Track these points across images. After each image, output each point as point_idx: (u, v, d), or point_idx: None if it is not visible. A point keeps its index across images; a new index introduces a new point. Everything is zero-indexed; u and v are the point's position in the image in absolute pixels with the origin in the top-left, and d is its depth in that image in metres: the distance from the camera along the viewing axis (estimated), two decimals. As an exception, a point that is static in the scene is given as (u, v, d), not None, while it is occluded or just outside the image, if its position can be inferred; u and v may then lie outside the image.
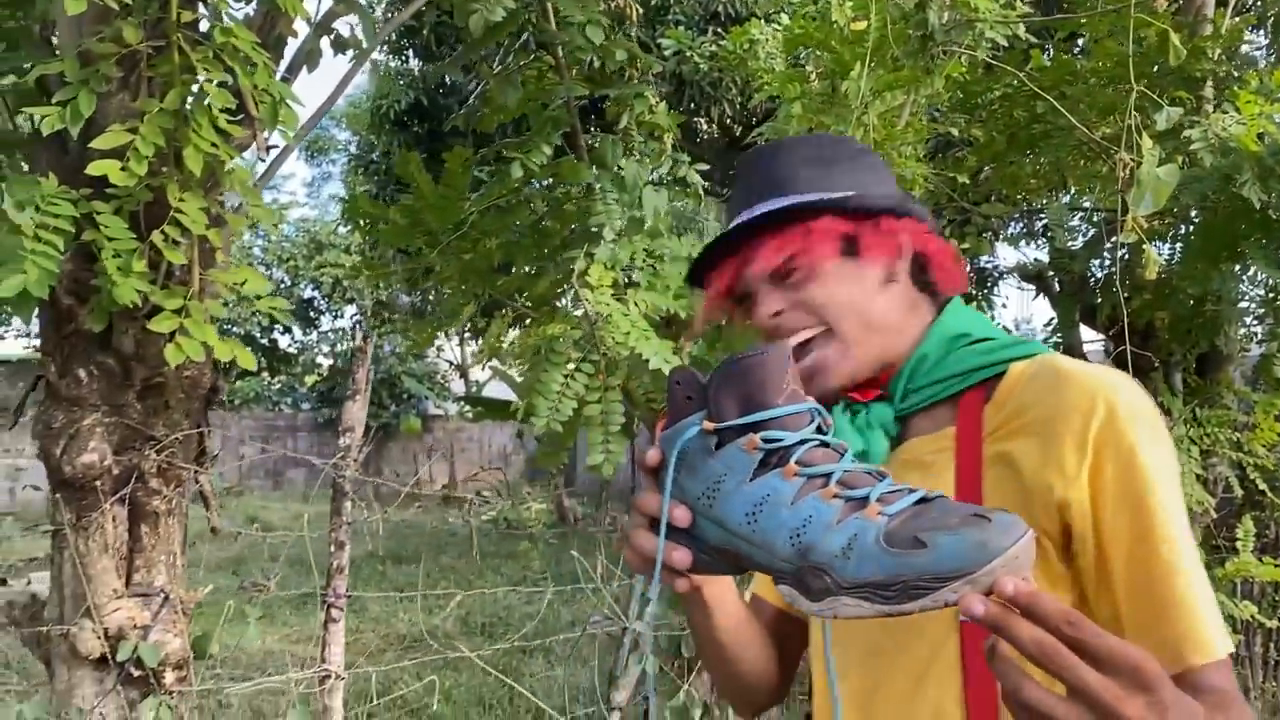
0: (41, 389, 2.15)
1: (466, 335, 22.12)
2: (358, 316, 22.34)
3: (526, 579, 9.28)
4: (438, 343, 24.28)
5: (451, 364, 22.31)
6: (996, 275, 7.61)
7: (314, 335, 23.14)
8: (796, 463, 0.85)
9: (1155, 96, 3.23)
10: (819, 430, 0.89)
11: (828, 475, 0.85)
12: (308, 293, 22.18)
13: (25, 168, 2.24)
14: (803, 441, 0.86)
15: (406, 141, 11.19)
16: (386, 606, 7.52)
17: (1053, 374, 1.02)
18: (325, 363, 22.26)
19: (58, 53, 2.07)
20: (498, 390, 20.71)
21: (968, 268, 5.47)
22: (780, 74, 3.66)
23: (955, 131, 3.81)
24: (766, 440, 0.86)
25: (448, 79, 10.31)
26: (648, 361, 2.35)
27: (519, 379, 16.52)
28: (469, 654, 2.78)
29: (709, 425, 0.88)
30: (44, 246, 1.73)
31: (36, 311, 2.06)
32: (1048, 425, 0.99)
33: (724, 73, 8.09)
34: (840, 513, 0.82)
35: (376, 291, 20.41)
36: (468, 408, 21.13)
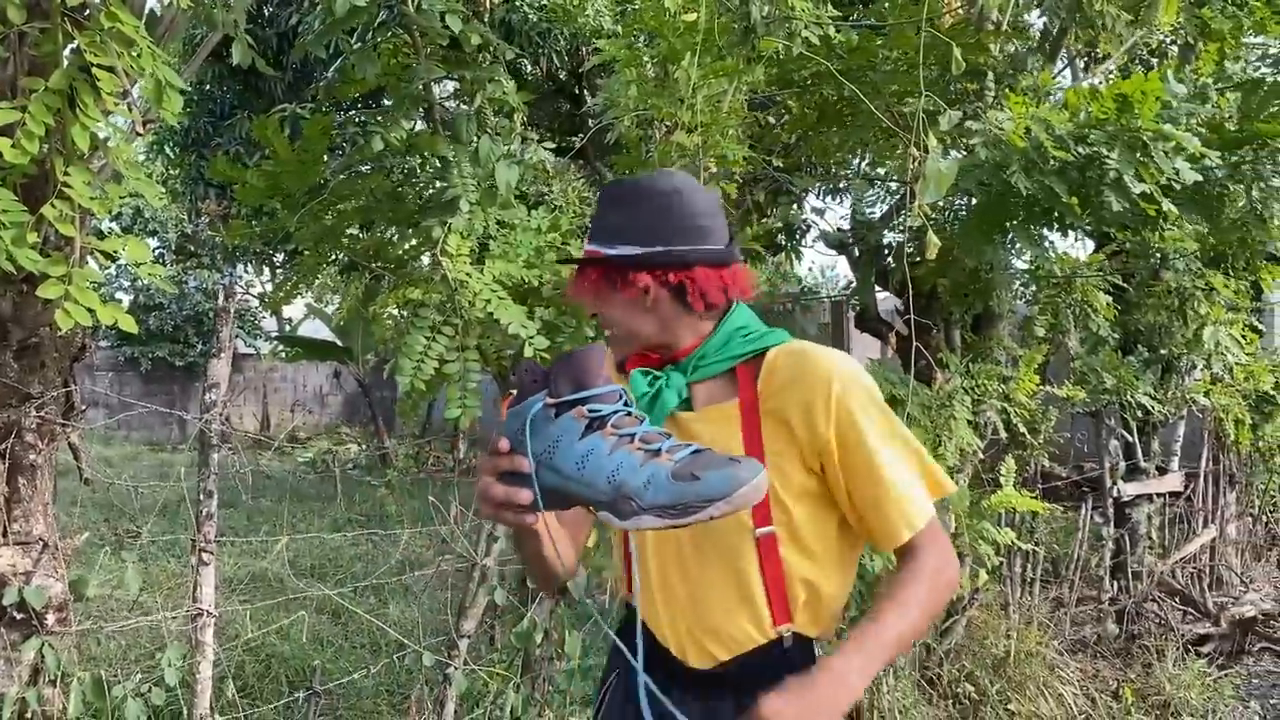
0: (-88, 348, 2.22)
1: (279, 271, 21.49)
2: (160, 249, 21.26)
3: (351, 521, 9.37)
4: (245, 278, 23.44)
5: (260, 300, 21.62)
6: (804, 228, 8.19)
7: (113, 269, 21.91)
8: (612, 426, 1.26)
9: (943, 93, 3.68)
10: (625, 404, 1.30)
11: (633, 435, 1.26)
12: (105, 224, 20.94)
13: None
14: (615, 411, 1.28)
15: (220, 71, 10.77)
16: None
17: (801, 355, 1.53)
18: (125, 299, 21.15)
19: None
20: (311, 329, 20.26)
21: (781, 228, 5.94)
22: (614, 42, 3.91)
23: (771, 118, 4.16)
24: (591, 411, 1.27)
25: (265, 10, 9.98)
26: (499, 324, 2.62)
27: (338, 320, 16.15)
28: (330, 593, 2.98)
29: (550, 400, 1.28)
30: (-62, 219, 1.83)
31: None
32: (802, 392, 1.48)
33: (553, 24, 8.24)
34: (642, 459, 1.24)
35: (181, 224, 19.52)
36: (280, 347, 20.59)
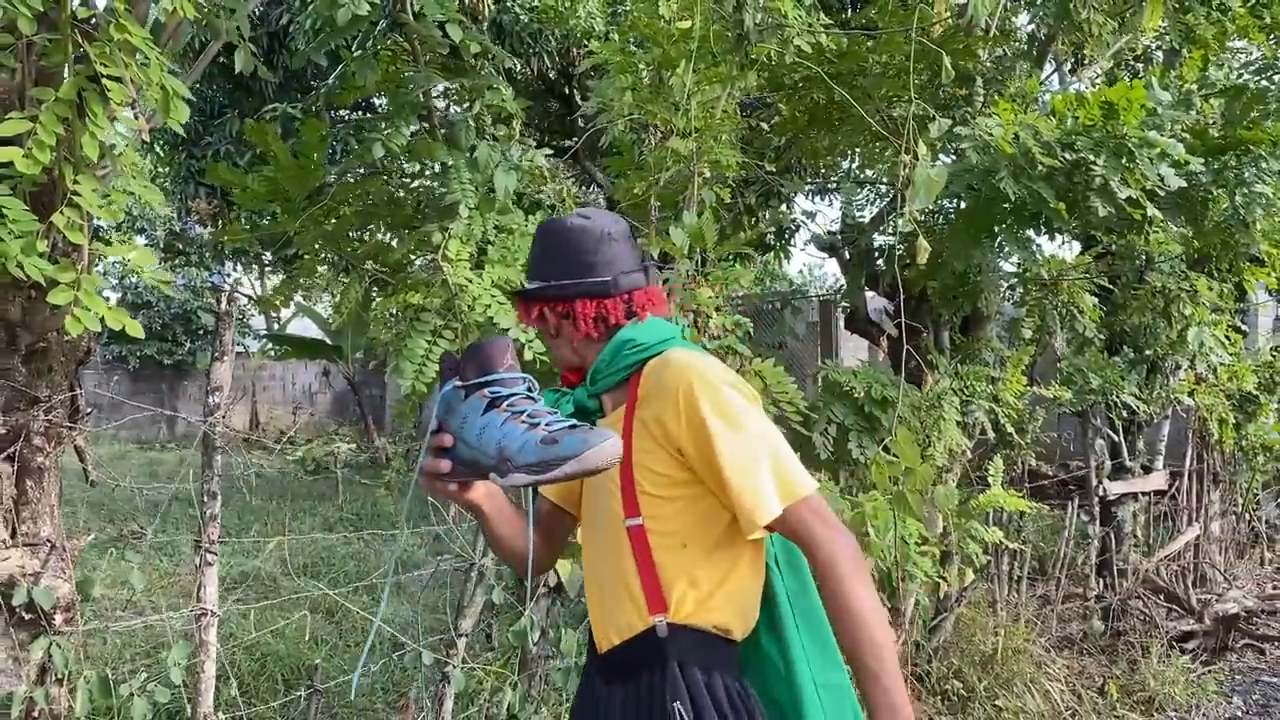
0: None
1: (269, 270, 21.45)
2: (148, 247, 21.18)
3: (343, 520, 9.39)
4: (234, 276, 23.39)
5: (251, 299, 21.53)
6: (793, 228, 8.26)
7: (100, 267, 21.84)
8: (506, 405, 1.50)
9: (932, 98, 3.73)
10: (529, 389, 1.54)
11: (523, 412, 1.49)
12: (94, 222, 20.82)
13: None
14: (514, 394, 1.51)
15: (210, 70, 10.76)
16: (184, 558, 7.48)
17: (663, 365, 1.67)
18: (113, 297, 21.08)
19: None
20: (299, 327, 20.22)
21: (772, 229, 5.99)
22: (607, 46, 3.95)
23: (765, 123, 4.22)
24: (492, 392, 1.51)
25: (255, 9, 9.98)
26: (498, 327, 2.67)
27: (328, 319, 16.10)
28: (330, 593, 3.02)
29: (459, 383, 1.53)
30: (-46, 228, 1.86)
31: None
32: (660, 398, 1.64)
33: (544, 25, 8.26)
34: (523, 429, 1.46)
35: (170, 223, 19.45)
36: (270, 345, 20.56)
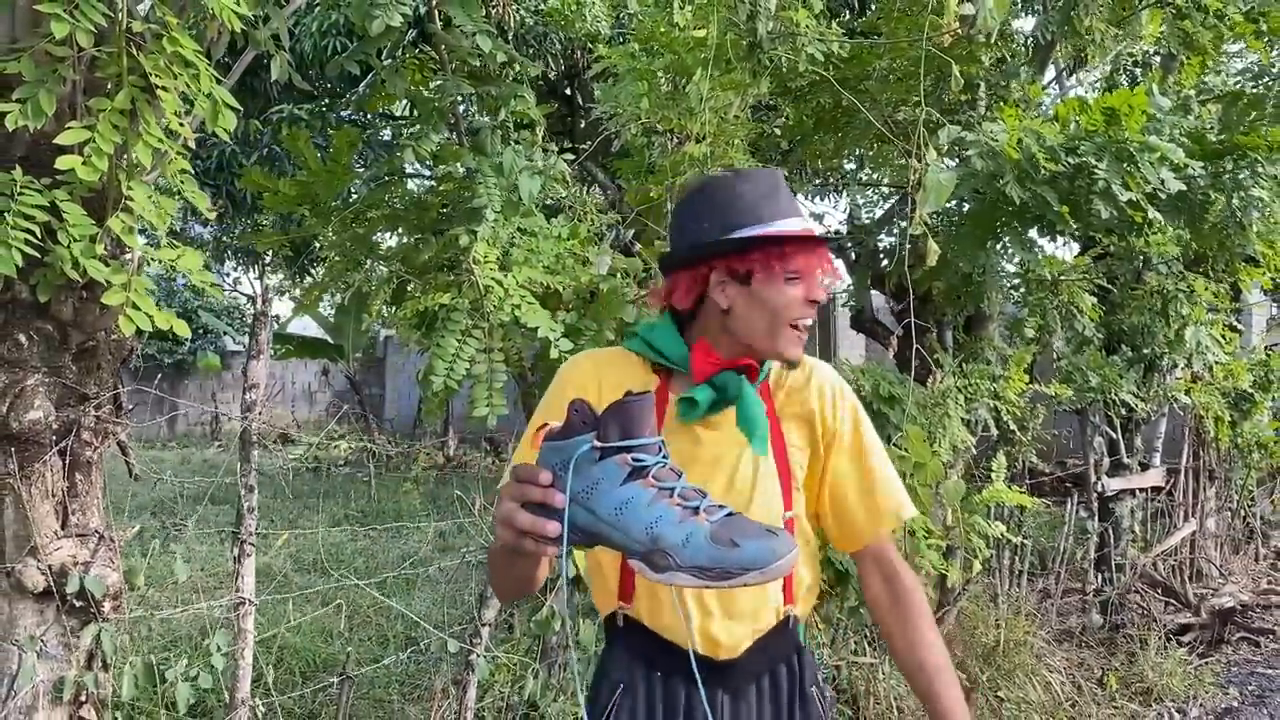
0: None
1: (268, 269, 21.52)
2: (149, 246, 21.18)
3: (348, 517, 9.49)
4: (233, 275, 23.45)
5: (251, 299, 21.57)
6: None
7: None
8: (653, 477, 1.30)
9: (937, 103, 3.84)
10: (664, 455, 1.35)
11: (673, 489, 1.31)
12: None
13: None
14: (657, 463, 1.32)
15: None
16: (213, 546, 7.60)
17: (806, 366, 1.70)
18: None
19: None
20: (299, 326, 20.28)
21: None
22: (617, 51, 4.05)
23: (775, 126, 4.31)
24: (635, 460, 1.30)
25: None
26: (523, 328, 2.77)
27: (329, 318, 16.21)
28: (361, 585, 3.12)
29: (598, 443, 1.31)
30: (19, 234, 1.96)
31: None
32: (811, 395, 1.68)
33: (549, 28, 8.36)
34: (680, 516, 1.28)
35: (171, 222, 19.47)
36: (271, 344, 20.64)
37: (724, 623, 1.64)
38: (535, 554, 1.33)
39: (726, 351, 1.62)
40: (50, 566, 2.32)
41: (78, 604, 2.36)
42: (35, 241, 2.03)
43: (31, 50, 2.07)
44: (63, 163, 2.00)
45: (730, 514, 1.29)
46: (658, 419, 1.51)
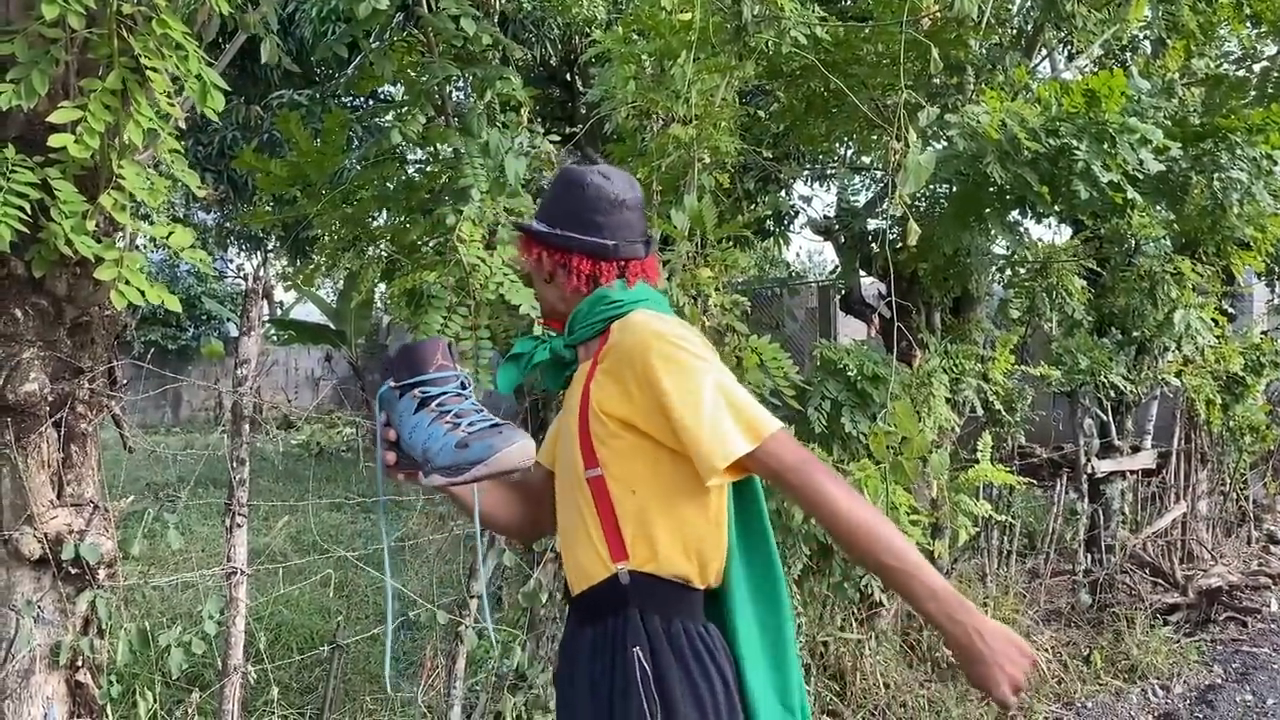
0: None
1: (271, 256, 21.59)
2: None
3: (349, 500, 9.58)
4: (236, 262, 23.53)
5: (241, 275, 21.69)
6: (792, 214, 8.42)
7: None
8: (435, 405, 1.60)
9: (925, 87, 3.88)
10: (463, 386, 1.64)
11: (450, 411, 1.59)
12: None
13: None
14: (444, 393, 1.62)
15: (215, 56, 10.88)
16: (213, 528, 7.68)
17: (627, 322, 1.77)
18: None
19: None
20: (303, 313, 20.36)
21: (770, 214, 6.14)
22: (610, 35, 4.10)
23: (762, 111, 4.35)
24: (423, 392, 1.61)
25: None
26: (508, 305, 2.83)
27: (331, 303, 16.28)
28: (348, 556, 3.19)
29: (393, 383, 1.64)
30: (11, 210, 2.02)
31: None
32: (620, 352, 1.73)
33: (547, 13, 8.39)
34: (446, 430, 1.56)
35: (172, 206, 19.55)
36: (273, 330, 20.72)
37: (568, 560, 1.85)
38: (397, 482, 1.75)
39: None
40: (46, 534, 2.39)
41: (73, 571, 2.43)
42: (28, 219, 2.09)
43: (25, 31, 2.13)
44: (55, 141, 2.06)
45: (493, 425, 1.56)
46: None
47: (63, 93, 2.28)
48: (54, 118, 2.08)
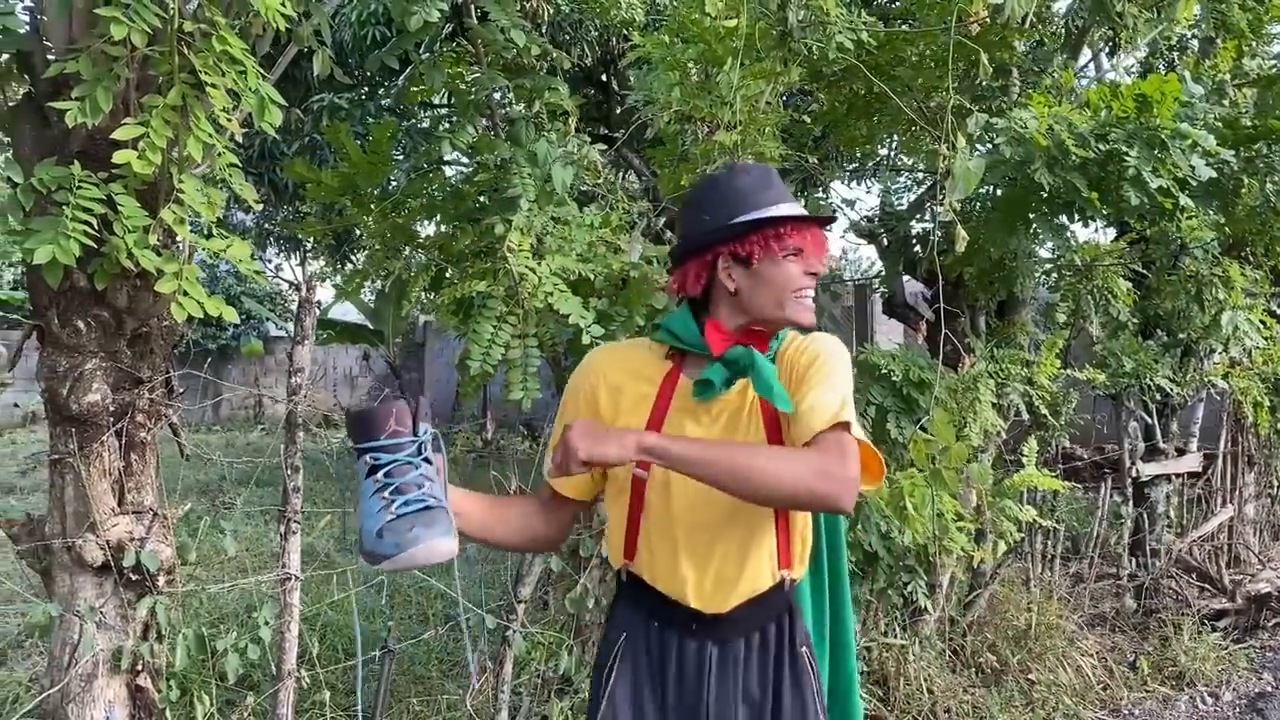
0: (36, 338, 2.46)
1: (309, 256, 21.81)
2: (193, 231, 21.50)
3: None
4: (275, 262, 23.80)
5: (294, 285, 21.80)
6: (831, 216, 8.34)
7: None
8: (383, 474, 1.53)
9: (969, 89, 3.85)
10: (418, 451, 1.57)
11: (391, 484, 1.52)
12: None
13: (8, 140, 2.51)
14: (394, 461, 1.54)
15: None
16: (258, 528, 7.79)
17: (797, 337, 1.83)
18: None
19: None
20: (341, 312, 20.56)
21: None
22: (651, 39, 4.10)
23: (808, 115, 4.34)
24: (373, 458, 1.54)
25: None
26: (556, 314, 2.85)
27: (370, 304, 16.43)
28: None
29: (351, 444, 1.57)
30: (78, 225, 2.06)
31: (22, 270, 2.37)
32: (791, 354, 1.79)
33: (585, 16, 8.41)
34: (379, 508, 1.50)
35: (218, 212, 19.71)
36: (315, 330, 20.93)
37: (715, 581, 1.79)
38: None
39: (735, 327, 1.78)
40: (108, 541, 2.44)
41: (134, 577, 2.48)
42: (93, 232, 2.13)
43: (88, 50, 2.17)
44: (118, 157, 2.10)
45: (425, 509, 1.50)
46: (664, 401, 1.78)
47: (124, 109, 2.32)
48: (117, 134, 2.12)
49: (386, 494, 1.50)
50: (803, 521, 1.83)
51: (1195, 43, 5.36)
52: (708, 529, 1.78)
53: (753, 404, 1.78)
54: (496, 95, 3.13)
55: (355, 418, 1.57)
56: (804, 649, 1.82)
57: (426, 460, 1.58)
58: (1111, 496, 5.72)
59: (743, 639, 1.79)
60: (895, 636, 4.34)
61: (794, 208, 1.77)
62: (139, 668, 2.53)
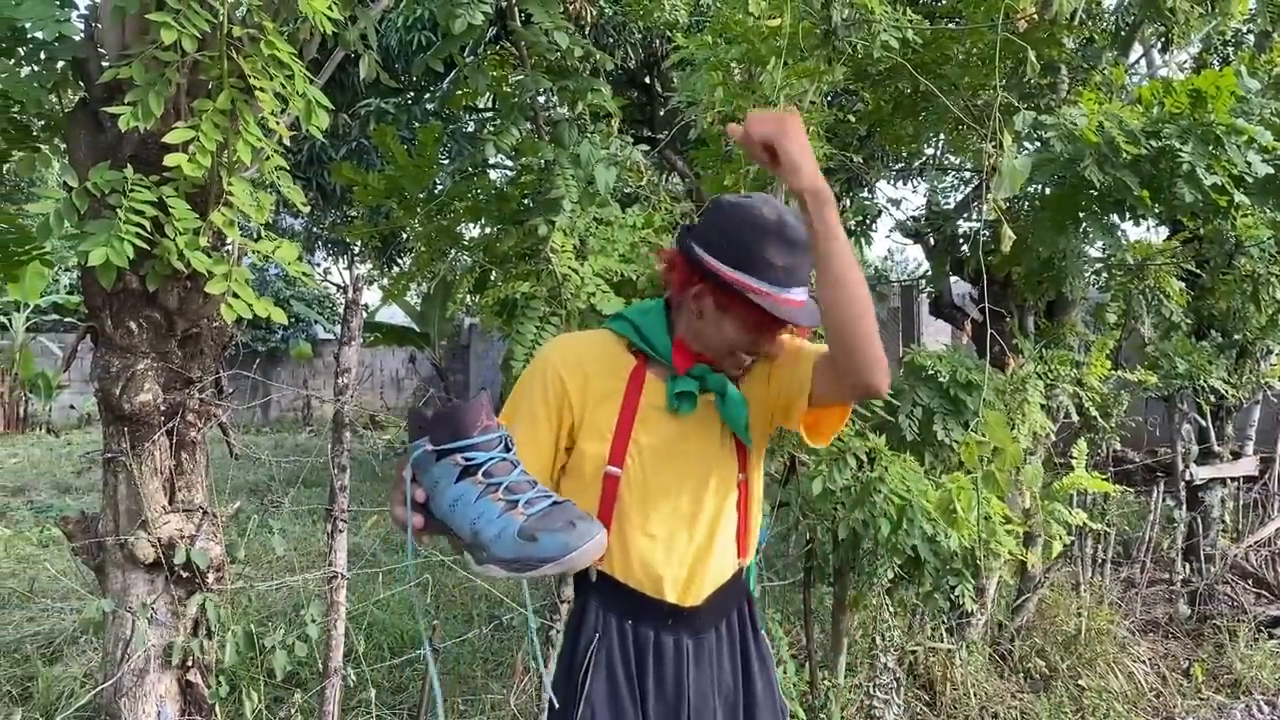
0: (90, 339, 2.51)
1: (356, 259, 22.07)
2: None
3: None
4: (323, 265, 24.09)
5: (341, 288, 22.14)
6: (875, 215, 8.34)
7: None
8: (482, 474, 1.42)
9: (1017, 87, 3.80)
10: (506, 447, 1.47)
11: (500, 484, 1.42)
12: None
13: (62, 146, 2.56)
14: (490, 459, 1.43)
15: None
16: (305, 527, 7.88)
17: None
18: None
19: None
20: (387, 315, 20.76)
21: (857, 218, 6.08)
22: (694, 40, 4.09)
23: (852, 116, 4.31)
24: (466, 458, 1.42)
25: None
26: (600, 315, 2.85)
27: (415, 306, 16.58)
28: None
29: (430, 446, 1.43)
30: (131, 227, 2.10)
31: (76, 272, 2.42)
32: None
33: (628, 18, 8.43)
34: (501, 510, 1.39)
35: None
36: (362, 332, 21.18)
37: (690, 574, 1.83)
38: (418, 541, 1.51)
39: (698, 347, 1.82)
40: (159, 539, 2.48)
41: (184, 574, 2.52)
42: (145, 234, 2.17)
43: (141, 55, 2.21)
44: (170, 160, 2.14)
45: (554, 504, 1.42)
46: (634, 397, 1.79)
47: (175, 113, 2.37)
48: (169, 138, 2.16)
49: (499, 494, 1.40)
50: (758, 508, 1.93)
51: (1250, 37, 5.25)
52: (684, 521, 1.82)
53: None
54: (540, 98, 3.14)
55: (441, 417, 1.44)
56: (763, 631, 1.93)
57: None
58: (1164, 500, 5.61)
59: (713, 629, 1.86)
60: (942, 640, 4.29)
61: (791, 295, 1.74)
62: (189, 663, 2.57)
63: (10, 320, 15.62)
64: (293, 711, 2.85)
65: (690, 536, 1.83)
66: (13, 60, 2.43)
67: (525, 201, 3.16)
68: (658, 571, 1.81)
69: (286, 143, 2.43)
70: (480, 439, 1.43)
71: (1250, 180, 3.43)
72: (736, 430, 1.82)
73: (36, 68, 2.47)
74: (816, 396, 1.78)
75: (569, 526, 1.38)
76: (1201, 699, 4.74)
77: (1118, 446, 5.56)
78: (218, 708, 2.60)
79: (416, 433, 1.47)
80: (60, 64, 2.46)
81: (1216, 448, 6.03)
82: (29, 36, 2.41)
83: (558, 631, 3.21)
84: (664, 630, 1.82)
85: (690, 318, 1.81)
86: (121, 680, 2.47)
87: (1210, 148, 3.34)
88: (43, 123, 2.64)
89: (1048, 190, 4.12)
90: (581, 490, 1.81)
